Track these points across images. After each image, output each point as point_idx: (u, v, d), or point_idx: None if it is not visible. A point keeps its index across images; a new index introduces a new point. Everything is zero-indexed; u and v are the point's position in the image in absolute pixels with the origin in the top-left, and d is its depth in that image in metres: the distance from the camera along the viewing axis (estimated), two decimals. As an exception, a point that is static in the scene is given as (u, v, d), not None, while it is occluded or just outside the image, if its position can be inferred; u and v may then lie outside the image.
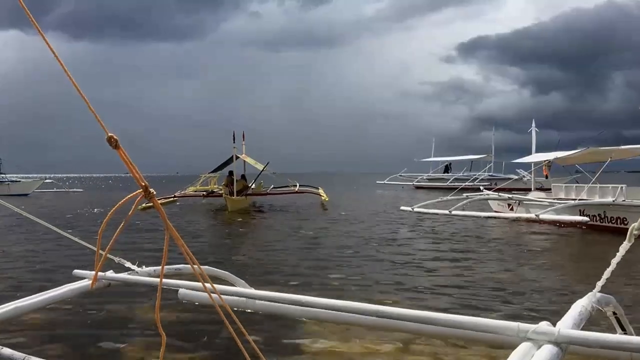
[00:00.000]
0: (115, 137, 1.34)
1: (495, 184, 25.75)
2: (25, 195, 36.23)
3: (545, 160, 20.10)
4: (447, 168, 50.41)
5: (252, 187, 25.11)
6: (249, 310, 2.31)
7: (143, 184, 1.40)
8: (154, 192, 1.45)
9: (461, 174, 44.20)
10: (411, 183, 45.63)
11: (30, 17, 1.28)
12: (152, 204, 1.46)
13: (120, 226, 1.60)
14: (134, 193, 1.45)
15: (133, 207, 1.72)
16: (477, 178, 36.92)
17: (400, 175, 48.27)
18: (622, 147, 15.83)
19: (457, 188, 23.12)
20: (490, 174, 41.34)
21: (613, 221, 14.19)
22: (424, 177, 46.88)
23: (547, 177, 24.25)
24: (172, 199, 25.51)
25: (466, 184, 30.34)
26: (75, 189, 48.38)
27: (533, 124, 23.17)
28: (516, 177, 32.33)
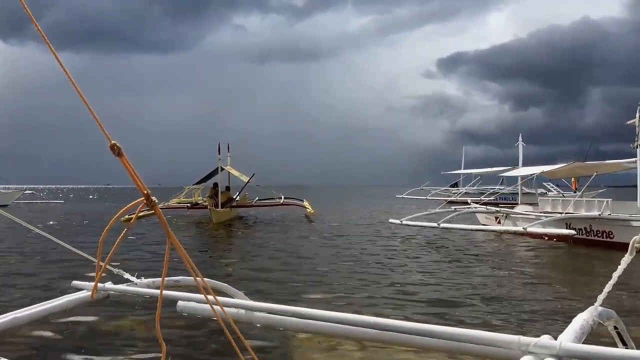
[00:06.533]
0: (118, 145, 1.30)
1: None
2: (5, 206, 35.66)
3: (531, 174, 20.22)
4: (455, 183, 48.43)
5: (236, 199, 25.01)
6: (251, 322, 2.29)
7: (145, 192, 1.36)
8: (156, 200, 1.41)
9: (474, 187, 42.92)
10: (426, 197, 41.88)
11: (39, 29, 1.25)
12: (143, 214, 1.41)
13: (121, 236, 1.56)
14: (136, 201, 1.40)
15: (135, 215, 1.69)
16: (495, 192, 34.83)
17: (422, 189, 46.61)
18: (608, 161, 16.04)
19: (497, 204, 22.77)
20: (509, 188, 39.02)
21: (599, 235, 14.32)
22: (459, 192, 41.42)
23: (575, 190, 23.63)
24: (152, 211, 25.17)
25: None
26: (55, 200, 47.80)
27: (520, 138, 23.31)
28: (543, 191, 31.72)
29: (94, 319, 6.39)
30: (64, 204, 45.22)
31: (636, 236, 2.02)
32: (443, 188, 45.90)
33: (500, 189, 35.20)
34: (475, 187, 42.89)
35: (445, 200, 29.91)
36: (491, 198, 30.87)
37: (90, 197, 74.17)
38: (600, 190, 27.08)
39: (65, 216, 28.11)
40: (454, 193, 41.56)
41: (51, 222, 23.15)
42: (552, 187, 31.36)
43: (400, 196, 45.82)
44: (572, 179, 24.43)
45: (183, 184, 31.19)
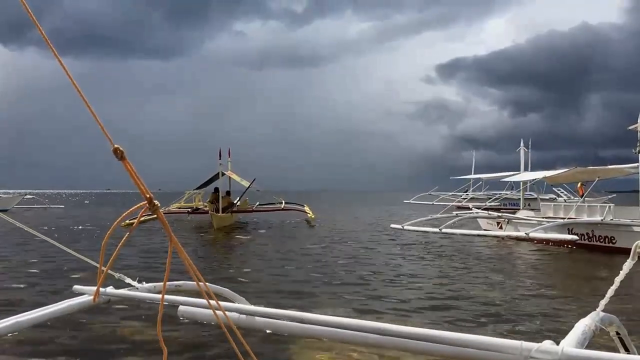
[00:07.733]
0: (121, 148, 1.30)
1: (529, 205, 24.38)
2: (5, 211, 35.58)
3: (533, 179, 20.20)
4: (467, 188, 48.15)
5: (237, 204, 24.98)
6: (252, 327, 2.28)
7: (148, 195, 1.36)
8: (159, 204, 1.40)
9: (481, 192, 42.53)
10: (432, 202, 39.24)
11: (42, 33, 1.25)
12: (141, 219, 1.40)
13: (122, 240, 1.55)
14: (138, 205, 1.40)
15: (137, 220, 1.69)
16: (500, 197, 34.24)
17: (430, 194, 45.79)
18: (609, 166, 16.04)
19: (498, 209, 22.60)
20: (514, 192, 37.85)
21: (601, 240, 14.29)
22: (467, 197, 40.76)
23: (582, 196, 23.32)
24: (154, 216, 25.14)
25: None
26: (56, 205, 47.63)
27: (521, 144, 23.28)
28: (554, 196, 31.40)
29: (95, 323, 6.40)
30: (64, 208, 45.13)
31: (638, 241, 2.01)
32: (450, 193, 45.46)
33: (506, 194, 35.16)
34: (482, 192, 42.61)
35: (451, 205, 29.81)
36: (496, 203, 30.75)
37: (87, 202, 74.08)
38: (610, 196, 26.87)
39: (66, 221, 28.08)
40: (463, 198, 41.05)
41: (52, 227, 23.14)
42: (562, 192, 31.24)
43: (408, 201, 45.63)
44: (578, 186, 24.27)
45: (183, 189, 31.22)
